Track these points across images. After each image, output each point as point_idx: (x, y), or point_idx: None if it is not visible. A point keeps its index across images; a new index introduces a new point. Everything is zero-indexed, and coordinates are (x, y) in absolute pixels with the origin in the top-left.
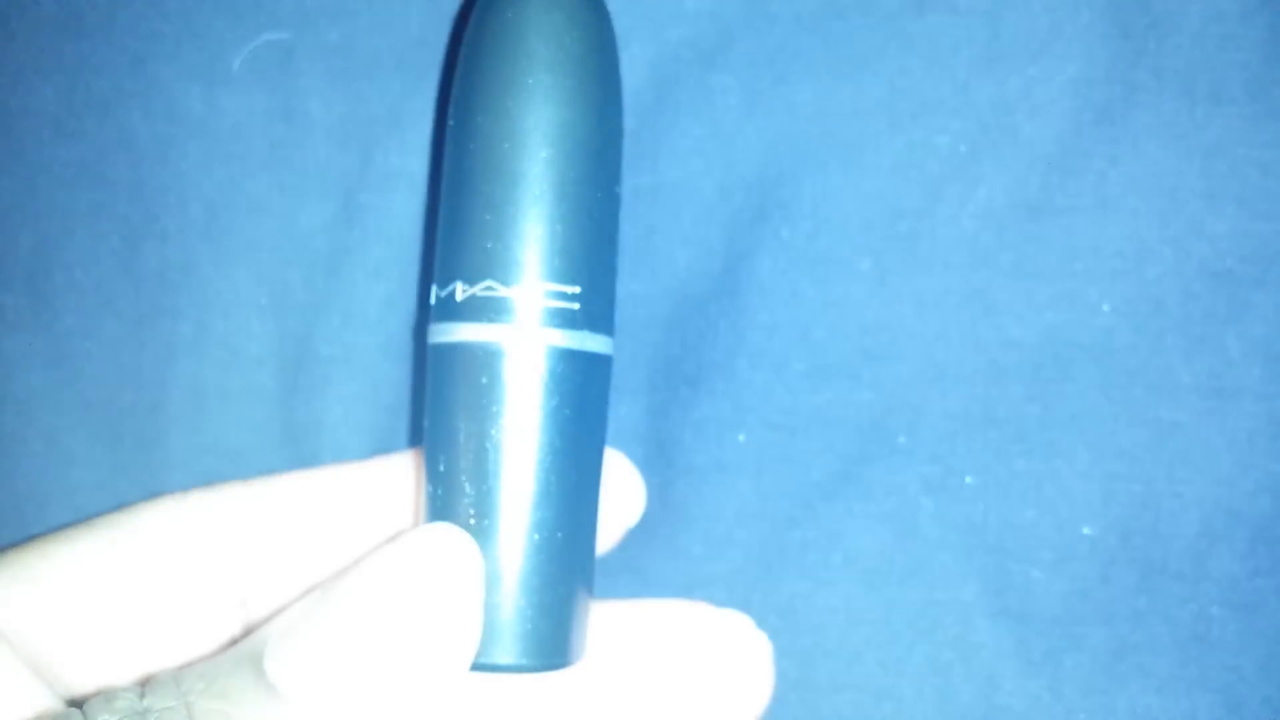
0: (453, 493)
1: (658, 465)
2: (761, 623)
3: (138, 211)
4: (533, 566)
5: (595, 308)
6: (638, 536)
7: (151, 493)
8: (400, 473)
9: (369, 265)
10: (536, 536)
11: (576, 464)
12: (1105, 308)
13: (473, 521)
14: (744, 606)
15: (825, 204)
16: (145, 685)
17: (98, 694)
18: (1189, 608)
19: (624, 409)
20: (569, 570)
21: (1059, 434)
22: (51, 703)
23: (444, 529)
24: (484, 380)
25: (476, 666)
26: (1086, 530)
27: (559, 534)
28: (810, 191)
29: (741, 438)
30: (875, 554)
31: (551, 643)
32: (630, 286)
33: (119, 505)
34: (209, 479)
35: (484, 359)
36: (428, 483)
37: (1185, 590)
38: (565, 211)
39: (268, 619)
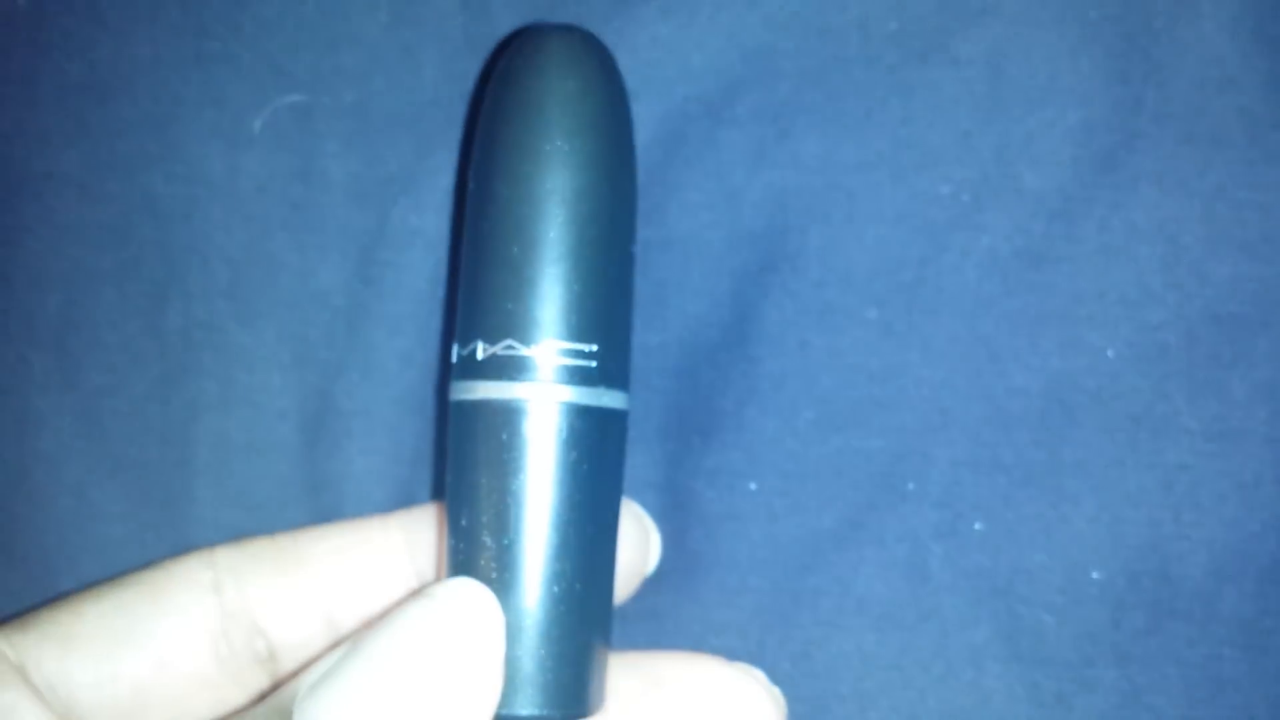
0: (474, 546)
1: (672, 514)
2: (775, 668)
3: (162, 271)
4: (552, 618)
5: (612, 364)
6: (653, 584)
7: (179, 546)
8: (422, 524)
9: (387, 321)
10: (555, 589)
11: (594, 516)
12: (1109, 353)
13: (494, 575)
14: (758, 653)
15: (831, 254)
16: None
17: None
18: (1199, 649)
19: (637, 458)
20: (587, 621)
21: (1066, 479)
22: None
23: (465, 584)
24: (504, 436)
25: (499, 718)
26: (1095, 574)
27: (577, 585)
28: (816, 242)
29: (753, 486)
30: (887, 600)
31: (571, 692)
32: (642, 337)
33: (147, 559)
34: (235, 532)
35: (504, 416)
36: (450, 536)
37: (1195, 632)
38: (582, 272)
39: (296, 672)
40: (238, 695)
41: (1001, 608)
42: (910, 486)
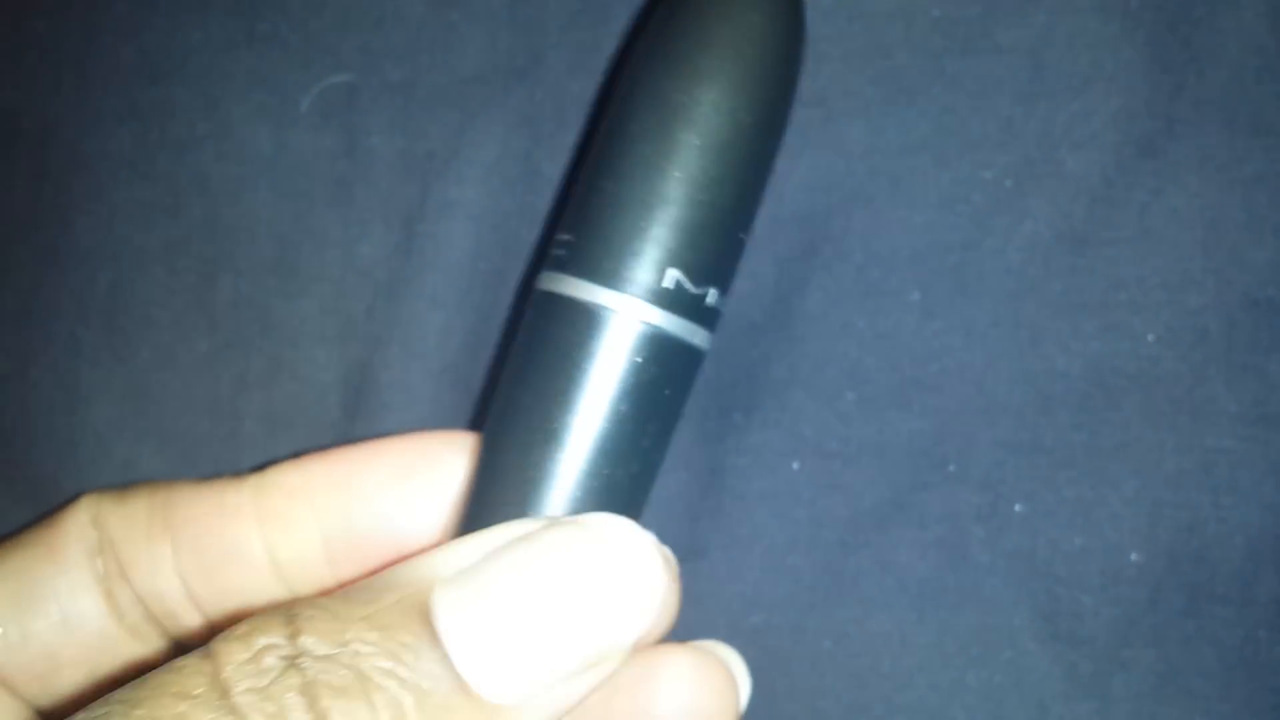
0: (528, 456)
1: (712, 491)
2: (815, 647)
3: (211, 249)
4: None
5: (711, 303)
6: (693, 562)
7: None
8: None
9: (427, 294)
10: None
11: (649, 446)
12: (1150, 337)
13: (532, 490)
14: (798, 631)
15: (874, 238)
16: (294, 616)
17: (234, 627)
18: (1236, 631)
19: (677, 436)
20: None
21: (1106, 462)
22: None
23: (621, 524)
24: (587, 340)
25: None
26: (1134, 556)
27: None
28: (859, 226)
29: (795, 465)
30: (927, 580)
31: None
32: None
33: None
34: None
35: (595, 320)
36: (498, 430)
37: (1232, 614)
38: (711, 207)
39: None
40: (146, 652)
41: (1040, 589)
42: (951, 468)
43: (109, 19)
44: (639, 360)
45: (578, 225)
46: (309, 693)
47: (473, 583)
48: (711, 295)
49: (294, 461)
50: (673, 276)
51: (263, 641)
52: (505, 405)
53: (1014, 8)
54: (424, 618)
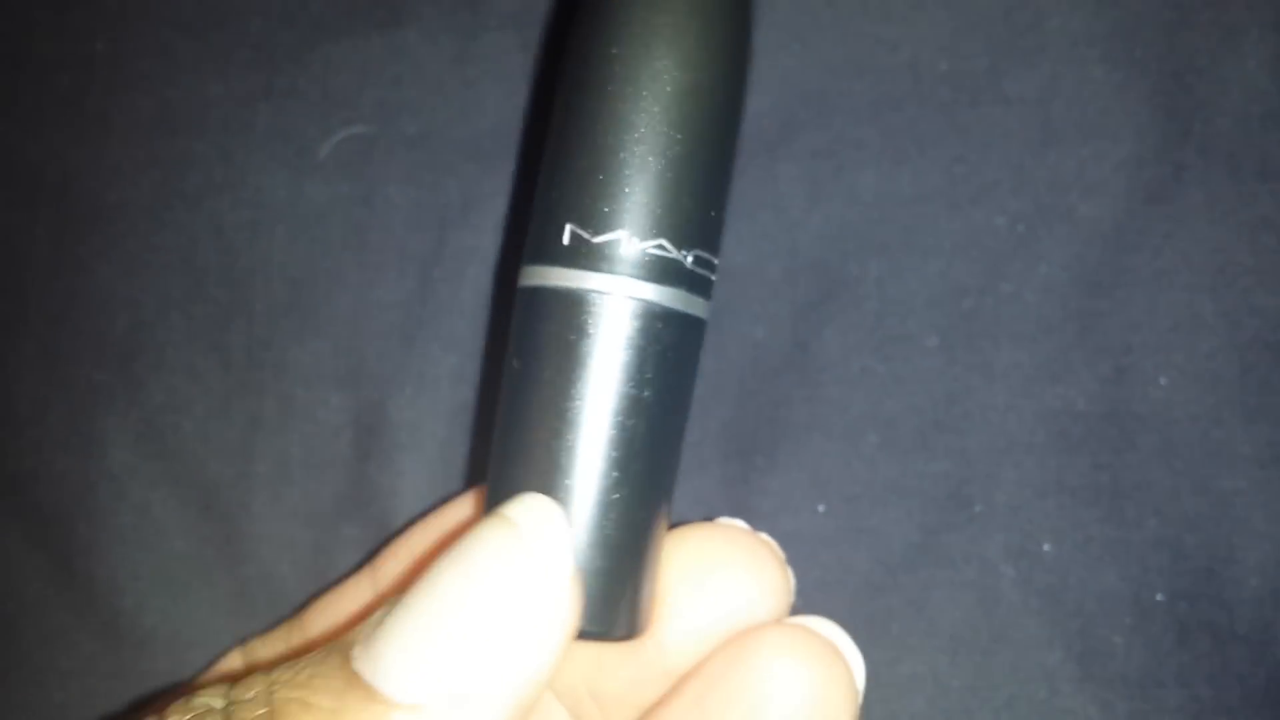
0: (532, 449)
1: None
2: None
3: (226, 293)
4: (610, 532)
5: (700, 270)
6: None
7: (237, 560)
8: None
9: (441, 337)
10: (614, 498)
11: (662, 425)
12: (1162, 380)
13: (551, 481)
14: None
15: (890, 284)
16: (236, 682)
17: (181, 696)
18: (1260, 670)
19: (699, 480)
20: (645, 538)
21: (1127, 502)
22: None
23: (534, 501)
24: (582, 327)
25: None
26: (1160, 596)
27: (636, 498)
28: (875, 273)
29: (821, 508)
30: (960, 621)
31: (624, 611)
32: (702, 361)
33: (207, 573)
34: (290, 545)
35: (583, 306)
36: (507, 437)
37: (1254, 654)
38: (683, 168)
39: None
40: None
41: (1074, 628)
42: (978, 508)
43: (131, 75)
44: (635, 337)
45: (542, 213)
46: (225, 712)
47: (391, 611)
48: (693, 258)
49: None
50: (649, 245)
51: (202, 701)
52: (511, 408)
53: (1021, 59)
54: (342, 656)
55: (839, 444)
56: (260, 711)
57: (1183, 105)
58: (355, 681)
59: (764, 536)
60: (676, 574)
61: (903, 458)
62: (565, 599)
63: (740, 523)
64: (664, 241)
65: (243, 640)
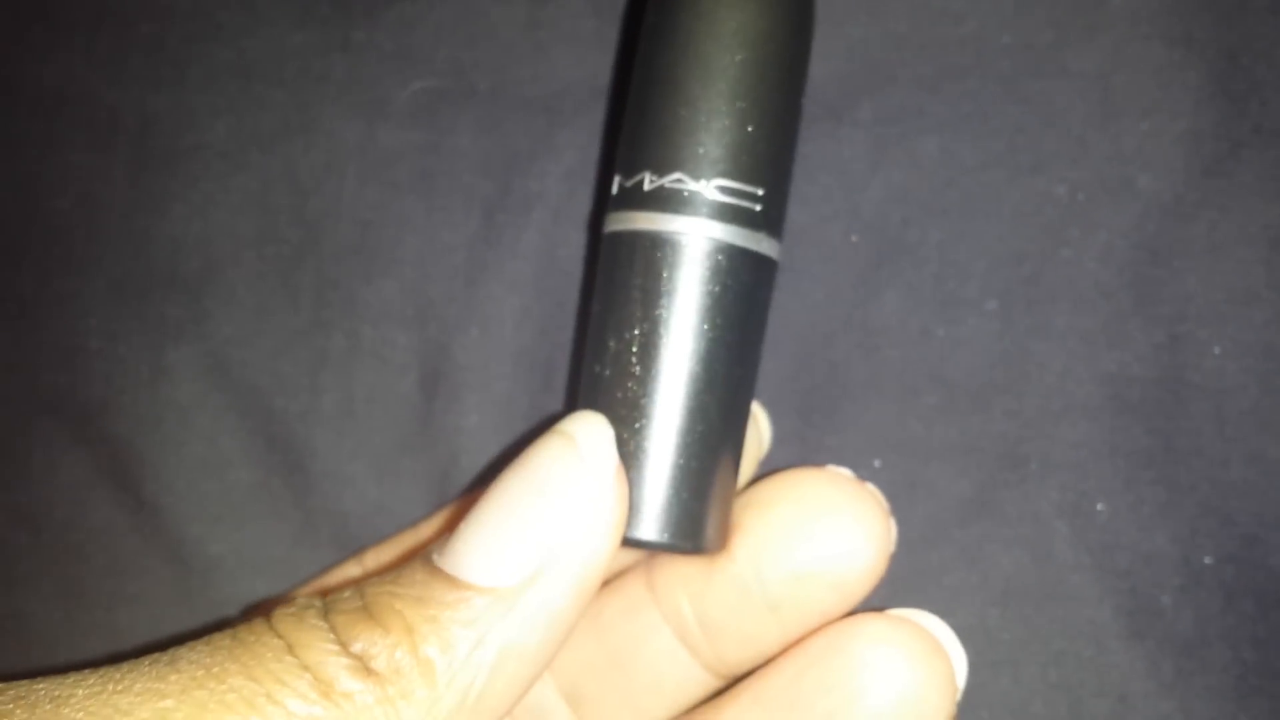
0: (617, 378)
1: None
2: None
3: (297, 233)
4: (690, 452)
5: (773, 211)
6: None
7: (301, 492)
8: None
9: (505, 280)
10: (697, 425)
11: (738, 359)
12: (1216, 350)
13: (632, 409)
14: None
15: (950, 249)
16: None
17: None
18: None
19: None
20: (722, 460)
21: (1179, 467)
22: None
23: (585, 418)
24: (661, 269)
25: (630, 541)
26: (1208, 560)
27: (715, 424)
28: (935, 237)
29: (877, 463)
30: (1011, 576)
31: (697, 526)
32: None
33: (272, 505)
34: (353, 482)
35: (663, 247)
36: (593, 367)
37: None
38: (756, 114)
39: None
40: None
41: (1124, 587)
42: (1033, 467)
43: (210, 25)
44: (711, 276)
45: (625, 162)
46: (325, 609)
47: (466, 519)
48: (763, 204)
49: None
50: (723, 190)
51: (304, 601)
52: (595, 348)
53: (1083, 35)
54: (425, 559)
55: (897, 403)
56: (356, 604)
57: (1239, 85)
58: (438, 574)
59: (870, 486)
60: (782, 512)
61: (960, 418)
62: (612, 495)
63: (847, 470)
64: (738, 184)
65: (358, 552)
